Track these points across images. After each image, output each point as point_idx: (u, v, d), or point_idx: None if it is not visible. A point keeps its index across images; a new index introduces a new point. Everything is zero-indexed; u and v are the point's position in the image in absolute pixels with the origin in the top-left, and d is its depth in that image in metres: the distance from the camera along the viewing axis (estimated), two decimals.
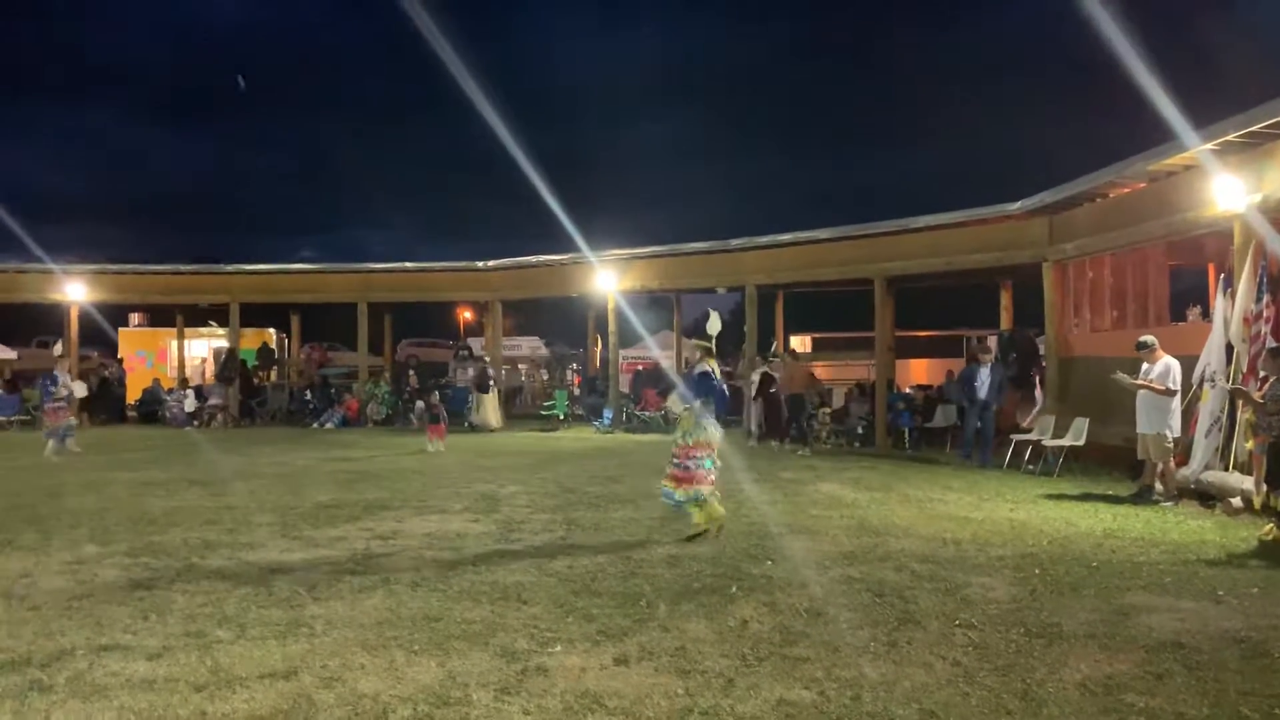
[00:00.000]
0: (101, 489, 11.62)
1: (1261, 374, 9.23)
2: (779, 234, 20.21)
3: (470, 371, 23.63)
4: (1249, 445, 9.04)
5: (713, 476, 8.39)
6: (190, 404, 23.71)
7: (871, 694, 4.41)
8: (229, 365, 24.40)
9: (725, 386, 8.93)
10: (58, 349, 16.04)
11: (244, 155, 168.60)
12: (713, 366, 8.61)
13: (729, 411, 10.02)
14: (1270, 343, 9.70)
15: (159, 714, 4.23)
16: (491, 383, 22.23)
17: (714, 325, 8.89)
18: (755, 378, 17.90)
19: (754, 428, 17.97)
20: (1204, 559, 7.39)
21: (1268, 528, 8.17)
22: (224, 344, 26.19)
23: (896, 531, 8.56)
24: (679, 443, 8.46)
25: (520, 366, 34.09)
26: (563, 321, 44.72)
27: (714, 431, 8.41)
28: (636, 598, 6.20)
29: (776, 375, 17.76)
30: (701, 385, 8.47)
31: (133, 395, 26.21)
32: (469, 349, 29.93)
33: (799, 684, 4.56)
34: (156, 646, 5.18)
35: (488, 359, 24.48)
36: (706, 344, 8.77)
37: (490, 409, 21.86)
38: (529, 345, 39.06)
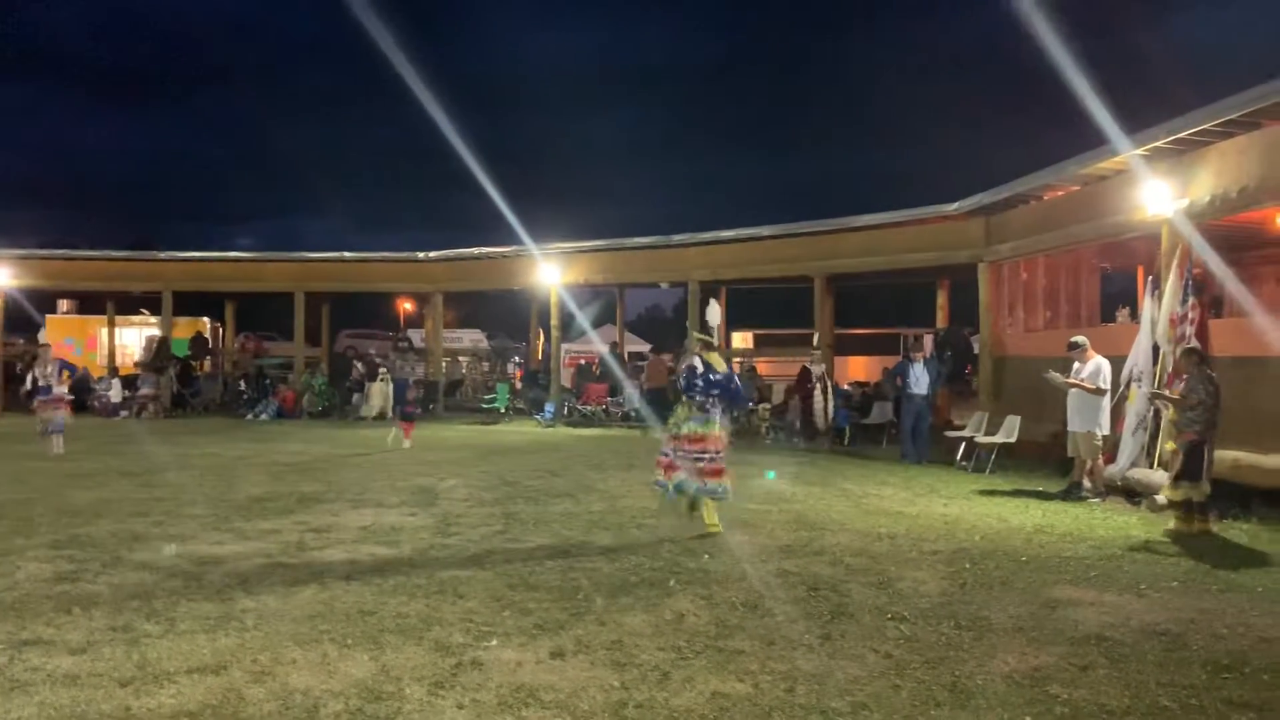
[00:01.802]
0: (26, 479, 11.31)
1: (1184, 375, 9.50)
2: (722, 230, 20.32)
3: (361, 366, 23.75)
4: (1169, 446, 9.32)
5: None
6: (116, 393, 23.13)
7: (805, 686, 4.47)
8: (161, 354, 23.91)
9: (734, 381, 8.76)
10: (43, 337, 15.35)
11: (181, 140, 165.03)
12: (713, 361, 8.47)
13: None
14: (1193, 343, 9.99)
15: (81, 710, 4.14)
16: (381, 372, 22.59)
17: (714, 315, 8.83)
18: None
19: None
20: (1128, 554, 7.59)
21: (1171, 522, 8.53)
22: (156, 333, 25.64)
23: (832, 526, 8.66)
24: (694, 433, 8.24)
25: (461, 359, 33.89)
26: (506, 314, 44.57)
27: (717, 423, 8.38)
28: (574, 592, 6.19)
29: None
30: (726, 388, 8.37)
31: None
32: (408, 340, 29.67)
33: (734, 676, 4.59)
34: (80, 641, 5.06)
35: (373, 349, 24.83)
36: (707, 336, 8.67)
37: (378, 398, 22.26)
38: (470, 338, 38.86)
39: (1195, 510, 8.44)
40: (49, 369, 14.37)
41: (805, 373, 17.31)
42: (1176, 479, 8.55)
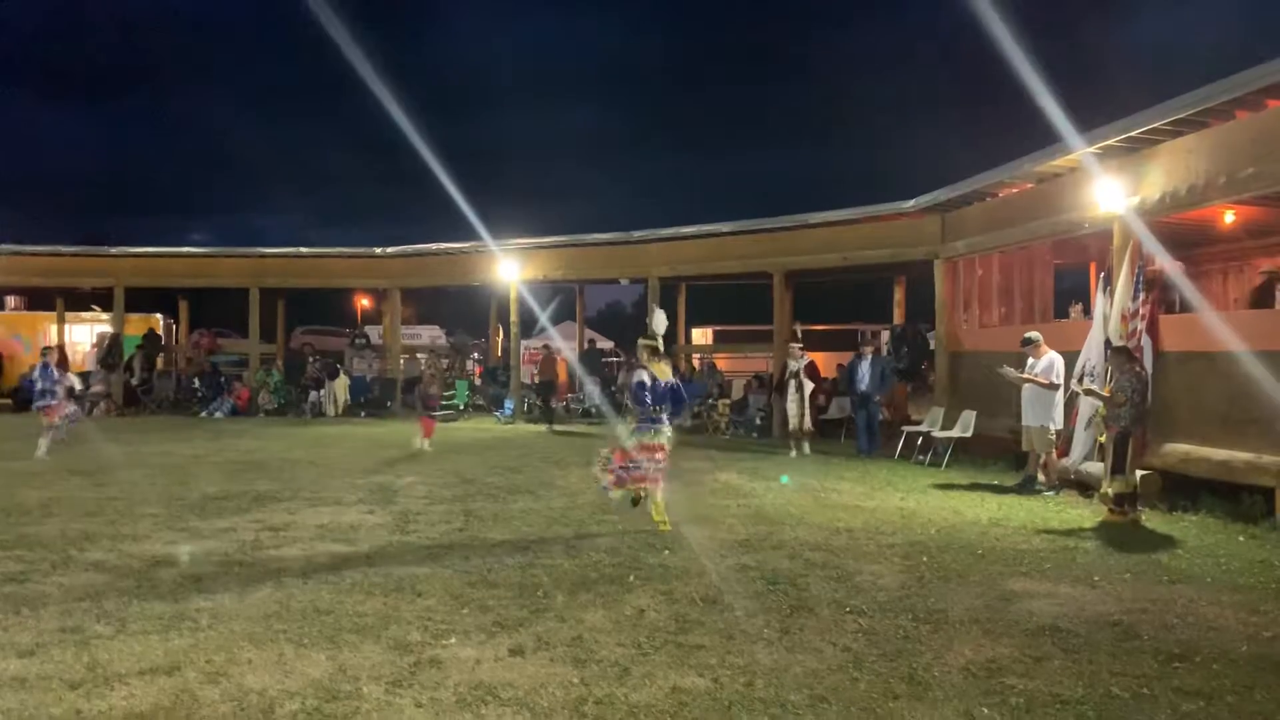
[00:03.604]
0: None
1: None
2: (681, 226, 20.33)
3: (315, 363, 23.84)
4: (1101, 439, 9.53)
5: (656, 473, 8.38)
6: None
7: (764, 680, 4.48)
8: (113, 352, 23.49)
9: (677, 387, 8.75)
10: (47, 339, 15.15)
11: (134, 135, 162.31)
12: (659, 370, 8.45)
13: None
14: (1145, 340, 10.17)
15: (30, 713, 4.06)
16: (340, 370, 23.45)
17: (660, 323, 8.87)
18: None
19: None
20: (1082, 546, 7.71)
21: (1105, 513, 8.78)
22: (108, 329, 25.18)
23: (791, 520, 8.71)
24: (640, 442, 8.29)
25: (420, 356, 33.60)
26: (465, 310, 44.31)
27: (666, 432, 8.39)
28: (534, 588, 6.18)
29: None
30: (675, 396, 8.44)
31: (9, 380, 25.05)
32: (365, 337, 29.40)
33: (693, 671, 4.60)
34: (29, 643, 4.96)
35: (315, 351, 25.35)
36: (653, 342, 8.64)
37: (343, 394, 22.77)
38: (429, 334, 38.54)
39: (1126, 502, 8.65)
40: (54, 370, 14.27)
41: (785, 367, 17.41)
42: (1111, 472, 8.77)
